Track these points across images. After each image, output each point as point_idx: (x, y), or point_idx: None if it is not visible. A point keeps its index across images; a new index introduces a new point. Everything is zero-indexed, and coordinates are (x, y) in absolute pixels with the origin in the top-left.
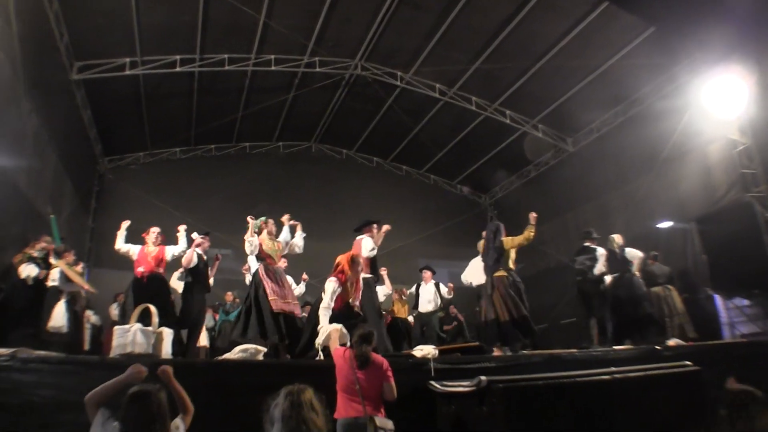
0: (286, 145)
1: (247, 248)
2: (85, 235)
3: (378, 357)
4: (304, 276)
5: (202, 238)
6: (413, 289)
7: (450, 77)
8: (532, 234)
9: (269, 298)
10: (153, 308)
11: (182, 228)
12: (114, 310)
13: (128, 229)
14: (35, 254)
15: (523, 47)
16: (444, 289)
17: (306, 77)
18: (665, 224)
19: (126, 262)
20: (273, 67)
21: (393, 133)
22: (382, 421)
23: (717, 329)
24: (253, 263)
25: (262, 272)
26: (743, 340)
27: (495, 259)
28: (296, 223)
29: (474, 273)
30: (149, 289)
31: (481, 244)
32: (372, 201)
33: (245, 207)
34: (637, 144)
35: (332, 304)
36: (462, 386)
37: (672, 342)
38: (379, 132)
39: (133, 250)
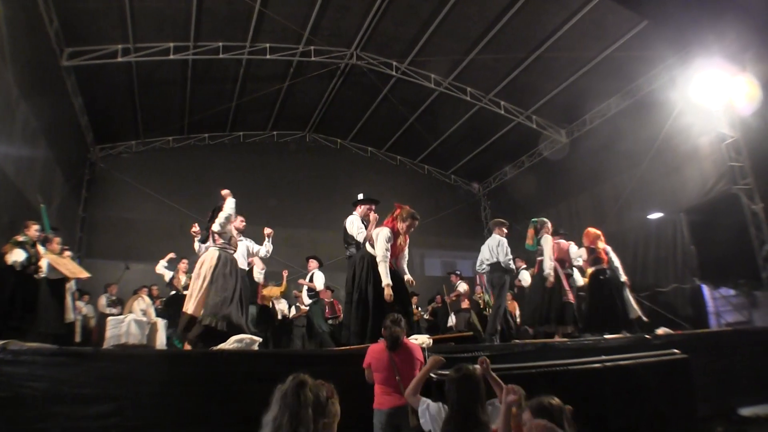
0: (280, 134)
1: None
2: (75, 224)
3: (411, 342)
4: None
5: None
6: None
7: (445, 67)
8: None
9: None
10: (147, 299)
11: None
12: (104, 301)
13: (119, 218)
14: (21, 239)
15: (519, 38)
16: (318, 280)
17: (301, 66)
18: (656, 215)
19: (117, 252)
20: (268, 56)
21: (388, 123)
22: None
23: (704, 318)
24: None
25: None
26: (729, 329)
27: None
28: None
29: None
30: None
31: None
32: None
33: (238, 197)
34: (630, 135)
35: (388, 255)
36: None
37: (660, 331)
38: (374, 122)
39: None
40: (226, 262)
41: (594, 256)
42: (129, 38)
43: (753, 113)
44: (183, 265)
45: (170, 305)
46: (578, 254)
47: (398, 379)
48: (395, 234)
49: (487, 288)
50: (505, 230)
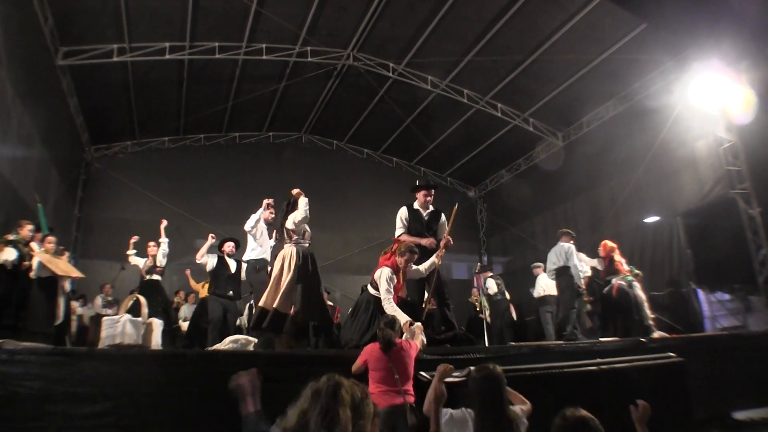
0: (276, 135)
1: None
2: (71, 224)
3: (405, 342)
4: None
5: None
6: None
7: (442, 69)
8: None
9: None
10: (143, 299)
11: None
12: (100, 301)
13: (114, 218)
14: (11, 237)
15: (516, 40)
16: None
17: (297, 67)
18: (652, 219)
19: (113, 252)
20: (264, 56)
21: (384, 125)
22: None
23: (700, 322)
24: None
25: None
26: (724, 333)
27: None
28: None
29: None
30: None
31: None
32: (362, 193)
33: (233, 197)
34: (627, 139)
35: (392, 294)
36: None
37: (656, 334)
38: (370, 123)
39: None
40: (306, 257)
41: (612, 267)
42: (125, 38)
43: (750, 120)
44: (152, 249)
45: (146, 292)
46: (588, 263)
47: (397, 378)
48: (396, 270)
49: (483, 291)
50: (572, 241)
